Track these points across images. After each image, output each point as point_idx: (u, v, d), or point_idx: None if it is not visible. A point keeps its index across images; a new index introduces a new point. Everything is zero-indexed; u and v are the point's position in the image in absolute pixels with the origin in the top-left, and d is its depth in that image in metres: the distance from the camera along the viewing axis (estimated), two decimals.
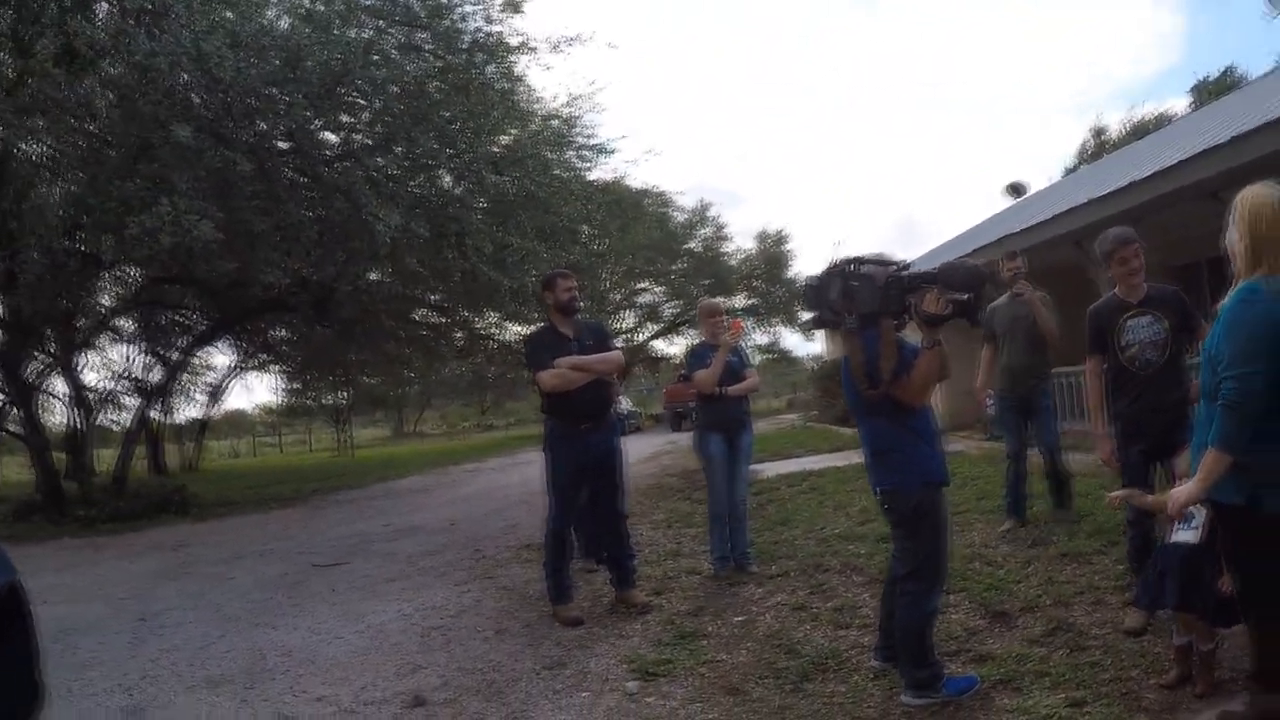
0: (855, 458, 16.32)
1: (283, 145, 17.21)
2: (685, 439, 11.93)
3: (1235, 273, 4.25)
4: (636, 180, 39.94)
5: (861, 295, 5.13)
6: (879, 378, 5.24)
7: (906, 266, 5.30)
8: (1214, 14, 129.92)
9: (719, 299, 10.56)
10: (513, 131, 19.40)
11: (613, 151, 29.98)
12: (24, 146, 16.60)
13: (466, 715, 5.95)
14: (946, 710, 5.27)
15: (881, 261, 5.28)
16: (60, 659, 7.72)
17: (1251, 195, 4.19)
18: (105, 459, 27.90)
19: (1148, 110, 64.69)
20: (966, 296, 5.02)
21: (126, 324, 30.92)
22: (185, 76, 14.61)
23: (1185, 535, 5.15)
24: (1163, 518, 4.87)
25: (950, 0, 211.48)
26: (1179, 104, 59.99)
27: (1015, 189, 33.03)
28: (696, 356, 9.46)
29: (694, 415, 9.88)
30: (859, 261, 5.26)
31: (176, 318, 30.63)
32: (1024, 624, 6.66)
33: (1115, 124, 57.36)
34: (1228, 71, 48.54)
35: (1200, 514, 4.98)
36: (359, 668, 7.18)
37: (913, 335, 5.33)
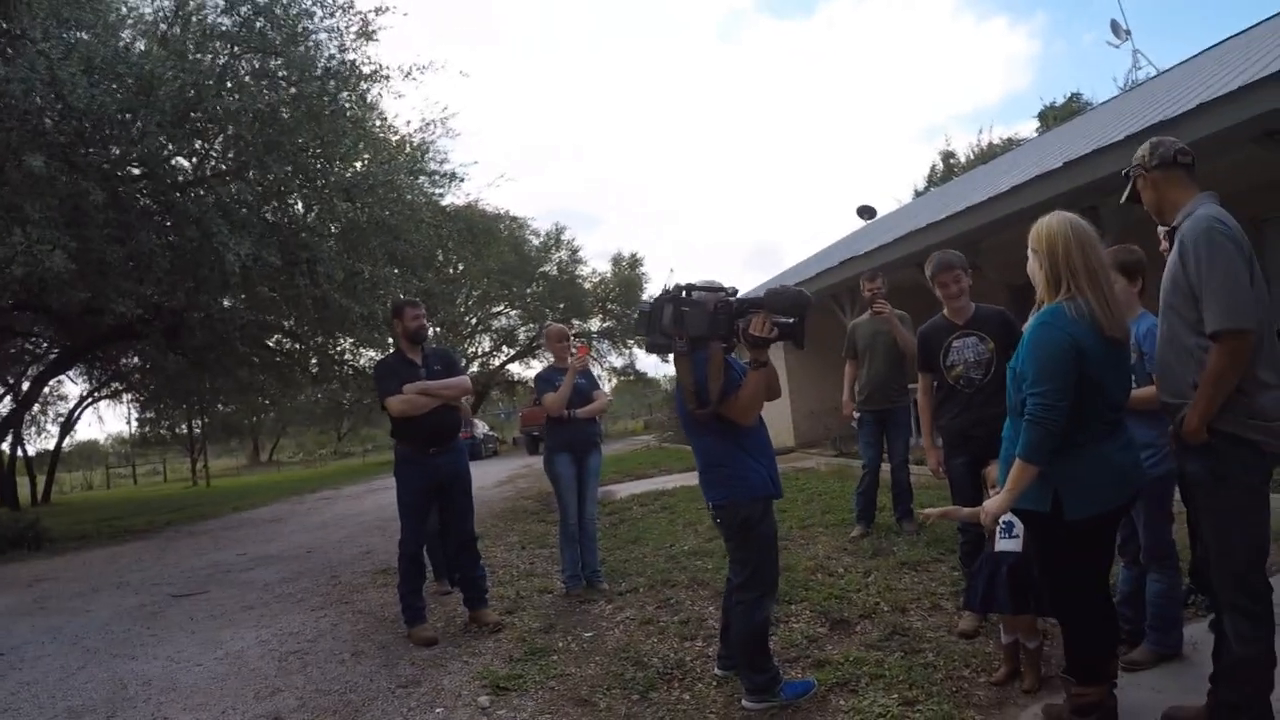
0: None
1: (135, 171, 17.09)
2: (540, 462, 12.10)
3: (1038, 298, 4.54)
4: (491, 205, 40.02)
5: (692, 320, 5.34)
6: (707, 398, 5.45)
7: (735, 293, 5.53)
8: (1065, 40, 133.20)
9: (564, 324, 10.66)
10: (365, 158, 19.38)
11: (464, 179, 30.11)
12: None
13: None
14: (785, 713, 5.52)
15: (711, 288, 5.50)
16: None
17: (1045, 224, 4.53)
18: None
19: (997, 134, 66.05)
20: (791, 320, 5.30)
21: None
22: (39, 101, 14.50)
23: (1008, 544, 5.47)
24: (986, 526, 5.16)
25: (809, 27, 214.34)
26: (1028, 127, 61.45)
27: (865, 211, 33.39)
28: (545, 380, 9.63)
29: (545, 436, 10.07)
30: (690, 288, 5.48)
31: (26, 345, 30.12)
32: (862, 630, 6.96)
33: (964, 147, 58.65)
34: (1073, 97, 50.13)
35: (1020, 523, 5.24)
36: (218, 693, 7.24)
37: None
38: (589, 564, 9.57)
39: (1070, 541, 4.49)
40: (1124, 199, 4.96)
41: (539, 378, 10.07)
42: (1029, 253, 4.59)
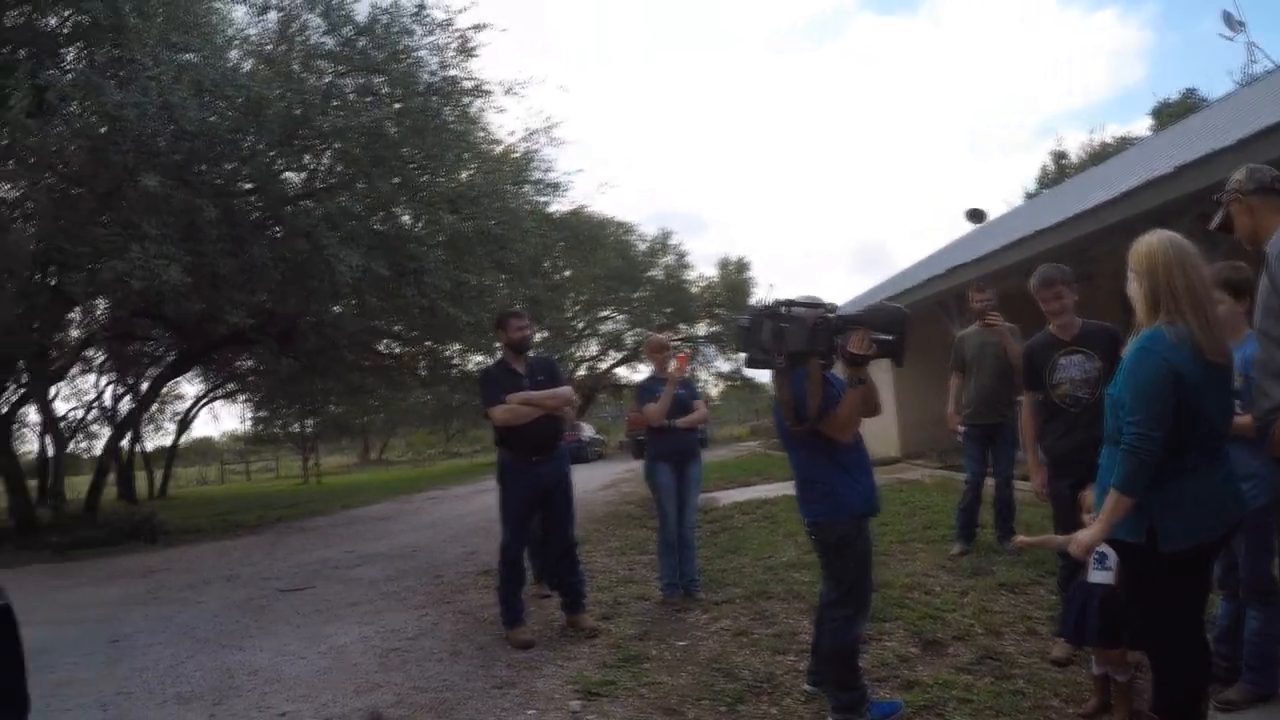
0: None
1: (247, 186, 17.46)
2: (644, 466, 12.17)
3: (1136, 321, 4.38)
4: (598, 209, 40.18)
5: (791, 336, 5.30)
6: (805, 414, 5.45)
7: (834, 309, 5.47)
8: (1179, 32, 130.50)
9: (664, 335, 10.69)
10: (470, 169, 19.71)
11: (567, 189, 30.23)
12: None
13: None
14: None
15: (811, 304, 5.45)
16: (38, 676, 7.61)
17: (1145, 244, 4.31)
18: (75, 486, 27.89)
19: (1110, 132, 64.70)
20: (891, 338, 5.24)
21: (96, 355, 31.06)
22: (152, 124, 14.89)
23: (1101, 576, 5.28)
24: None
25: (913, 23, 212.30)
26: (1141, 125, 60.25)
27: (974, 215, 32.85)
28: (646, 390, 9.69)
29: (645, 445, 10.09)
30: (790, 304, 5.45)
31: (145, 349, 30.75)
32: (955, 652, 6.86)
33: (1076, 147, 57.53)
34: (1188, 93, 48.51)
35: (1113, 554, 5.04)
36: (320, 686, 7.44)
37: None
38: (687, 573, 9.58)
39: (1165, 574, 4.27)
40: (1214, 225, 4.83)
41: (640, 387, 10.09)
42: (1129, 273, 4.40)
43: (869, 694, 5.77)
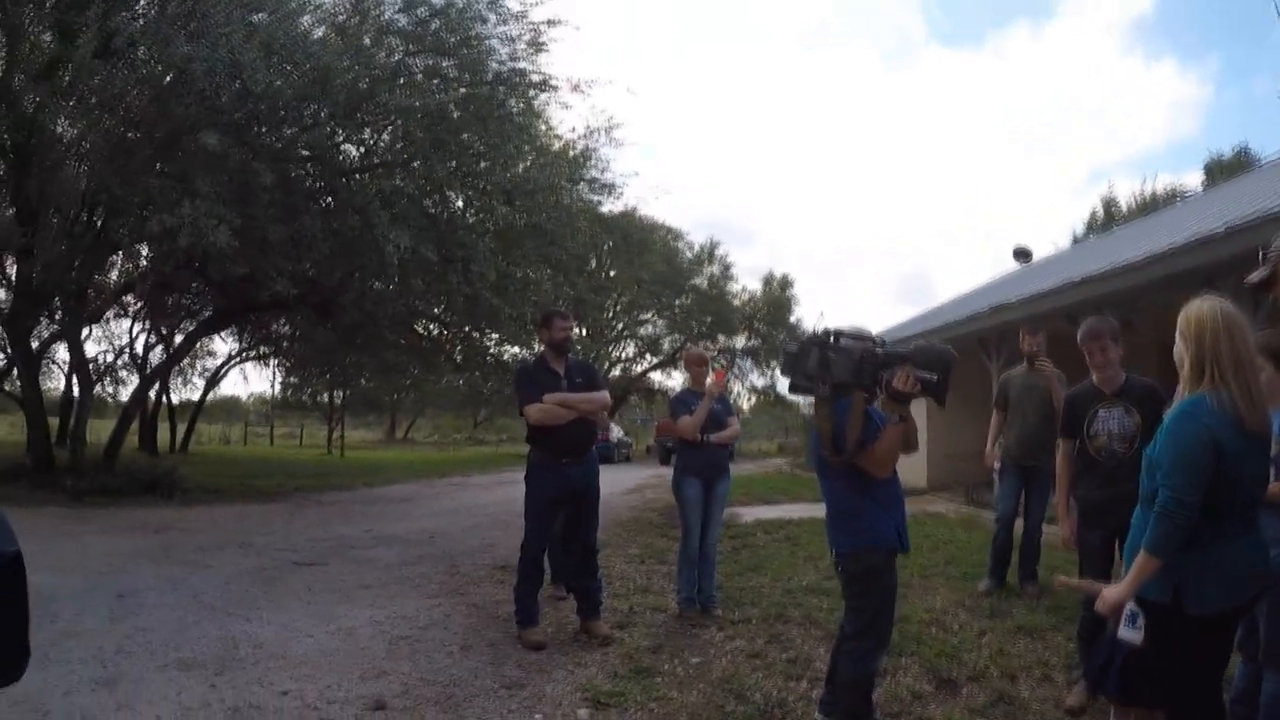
0: None
1: (304, 154, 17.42)
2: (671, 473, 12.16)
3: (1181, 385, 4.39)
4: (649, 212, 40.29)
5: (837, 366, 5.29)
6: (844, 445, 5.41)
7: (882, 343, 5.45)
8: (1237, 88, 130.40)
9: (703, 347, 10.65)
10: (528, 160, 19.63)
11: (621, 193, 30.31)
12: (56, 129, 16.81)
13: None
14: None
15: (859, 336, 5.42)
16: (39, 625, 7.70)
17: (1195, 309, 4.35)
18: (96, 430, 27.92)
19: (1161, 183, 64.80)
20: (935, 377, 5.20)
21: (133, 302, 31.13)
22: (218, 81, 14.89)
23: (1128, 634, 5.21)
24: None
25: (977, 59, 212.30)
26: (1193, 179, 60.21)
27: (1021, 254, 32.99)
28: (681, 403, 9.61)
29: (675, 457, 10.03)
30: (838, 334, 5.41)
31: (183, 301, 30.82)
32: (969, 692, 6.80)
33: (1126, 194, 57.66)
34: (1241, 151, 48.73)
35: (1143, 613, 4.97)
36: (326, 667, 7.36)
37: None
38: (705, 588, 9.49)
39: (1189, 634, 4.33)
40: (1254, 279, 4.76)
41: (675, 399, 10.02)
42: (1177, 335, 4.44)
43: None
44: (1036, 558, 10.31)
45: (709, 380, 9.65)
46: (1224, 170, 43.17)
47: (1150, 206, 44.71)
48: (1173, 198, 45.13)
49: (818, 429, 5.58)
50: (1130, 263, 14.29)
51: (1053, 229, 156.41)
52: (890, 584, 5.69)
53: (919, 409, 5.43)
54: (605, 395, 8.94)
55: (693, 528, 9.41)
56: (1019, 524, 10.55)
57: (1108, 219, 52.62)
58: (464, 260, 18.36)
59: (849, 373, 5.28)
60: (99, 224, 18.99)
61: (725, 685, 7.00)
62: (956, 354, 5.35)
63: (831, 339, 5.39)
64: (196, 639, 8.10)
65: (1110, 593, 4.56)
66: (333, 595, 10.24)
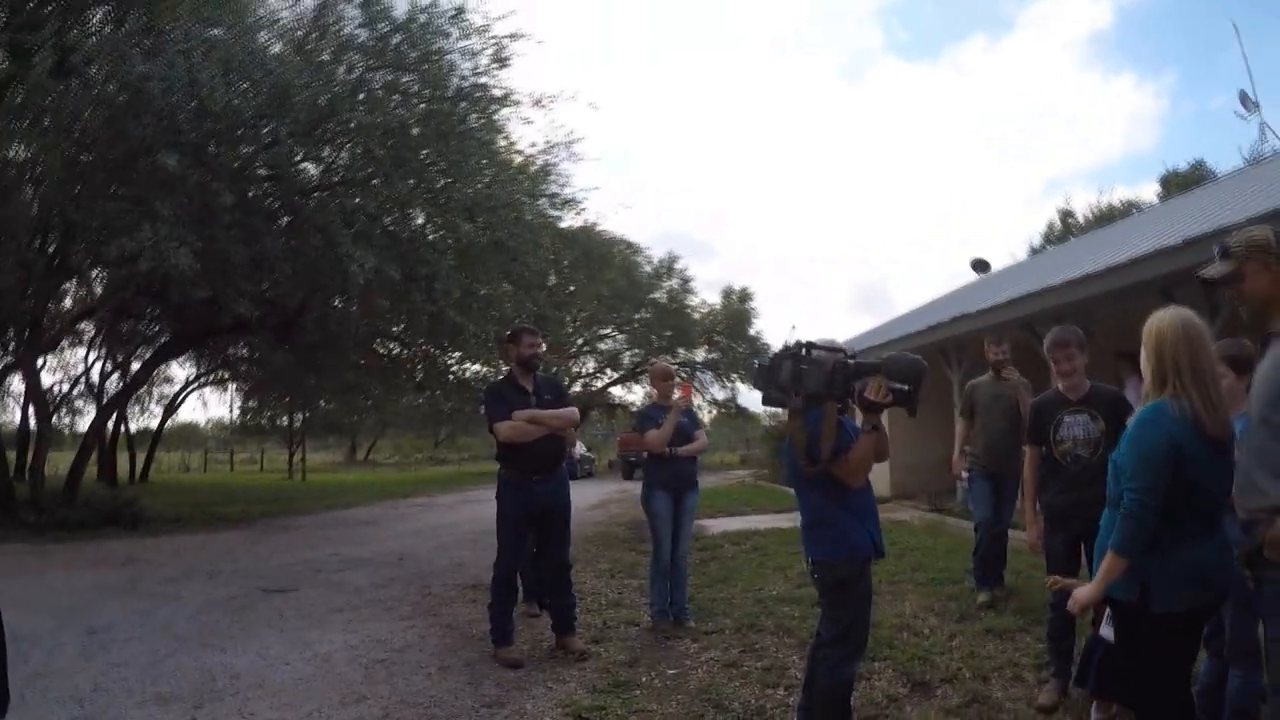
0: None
1: (263, 172, 17.36)
2: (635, 487, 12.18)
3: (1144, 392, 4.52)
4: (608, 227, 40.30)
5: (809, 378, 5.35)
6: (818, 455, 5.44)
7: (854, 355, 5.51)
8: (1193, 102, 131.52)
9: (668, 361, 10.68)
10: (487, 175, 19.54)
11: (583, 208, 30.36)
12: (8, 153, 16.70)
13: None
14: None
15: (831, 348, 5.48)
16: (11, 667, 7.50)
17: (1156, 320, 4.48)
18: (54, 462, 27.75)
19: (1118, 195, 65.34)
20: (907, 387, 5.27)
21: (88, 328, 30.96)
22: (175, 99, 14.77)
23: (1107, 632, 5.37)
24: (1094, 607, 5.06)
25: (934, 71, 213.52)
26: (1149, 191, 60.68)
27: (979, 265, 33.15)
28: (647, 417, 9.65)
29: (643, 471, 10.05)
30: (810, 346, 5.47)
31: (139, 327, 30.67)
32: (943, 694, 6.88)
33: (1083, 206, 58.04)
34: (1197, 164, 49.20)
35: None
36: (305, 694, 7.33)
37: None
38: (678, 600, 9.52)
39: (1155, 632, 4.45)
40: (1214, 274, 4.61)
41: (641, 414, 10.07)
42: (1142, 347, 4.55)
43: None
44: (1003, 563, 10.36)
45: (675, 394, 9.70)
46: (1180, 184, 43.44)
47: (1107, 218, 45.01)
48: (1129, 210, 45.59)
49: (792, 440, 5.61)
50: (1090, 273, 14.37)
51: (1010, 241, 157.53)
52: (865, 591, 5.72)
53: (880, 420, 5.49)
54: (574, 411, 8.93)
55: (663, 540, 9.42)
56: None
57: (1065, 231, 53.32)
58: (427, 278, 18.30)
59: (821, 384, 5.33)
60: (51, 250, 18.87)
61: (703, 695, 7.06)
62: (926, 365, 5.41)
63: (804, 350, 5.45)
64: (172, 672, 8.05)
65: (1081, 593, 4.66)
66: (305, 621, 10.19)
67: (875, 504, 5.92)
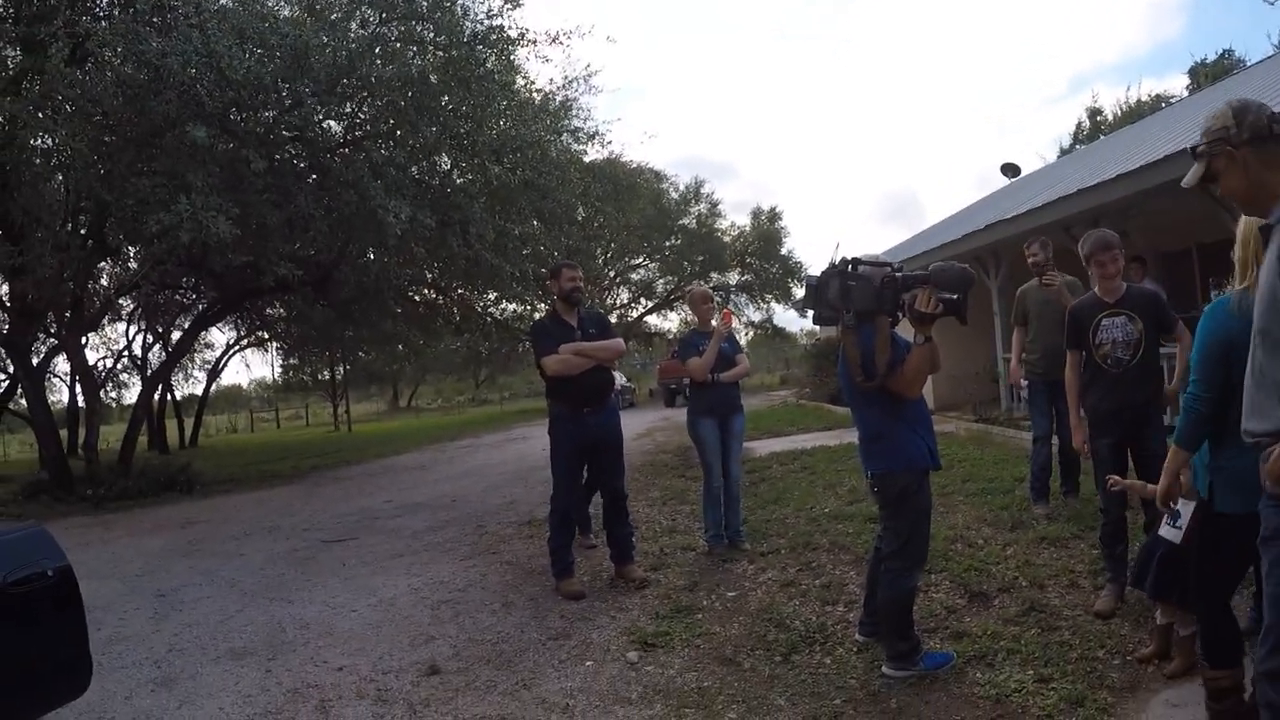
0: (847, 436, 16.48)
1: (289, 134, 17.37)
2: (678, 415, 12.18)
3: (1222, 284, 4.50)
4: (632, 157, 40.14)
5: (859, 294, 5.41)
6: (874, 371, 5.53)
7: (900, 268, 5.55)
8: None
9: (705, 285, 10.65)
10: (510, 116, 19.44)
11: (609, 140, 30.20)
12: (34, 142, 16.74)
13: (479, 683, 6.27)
14: (923, 683, 5.56)
15: (878, 263, 5.54)
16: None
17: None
18: (105, 436, 28.04)
19: (1146, 89, 64.38)
20: (956, 296, 5.34)
21: (127, 304, 31.13)
22: (194, 72, 14.81)
23: (1168, 532, 5.37)
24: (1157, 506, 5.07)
25: None
26: (1178, 83, 59.80)
27: (1009, 169, 32.84)
28: (689, 345, 9.67)
29: (685, 398, 10.05)
30: (857, 262, 5.51)
31: (178, 297, 30.82)
32: (1000, 604, 6.91)
33: (1111, 103, 57.30)
34: (1225, 54, 48.08)
35: (1186, 513, 5.17)
36: (374, 639, 7.48)
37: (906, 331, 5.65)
38: (732, 524, 9.59)
39: (1218, 532, 4.50)
40: (1190, 181, 4.03)
41: (683, 341, 10.09)
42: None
43: (922, 644, 5.90)
44: (1078, 469, 10.03)
45: (716, 319, 9.71)
46: (1209, 74, 42.70)
47: (1136, 114, 44.03)
48: (1158, 103, 44.68)
49: (846, 357, 5.70)
50: (1127, 170, 14.09)
51: (1039, 142, 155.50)
52: (925, 503, 5.84)
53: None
54: (620, 342, 9.00)
55: (713, 466, 9.48)
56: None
57: (1094, 129, 52.12)
58: (461, 223, 18.33)
59: (871, 299, 5.41)
60: (84, 232, 18.96)
61: (764, 615, 7.16)
62: (974, 272, 5.43)
63: (850, 267, 5.49)
64: (243, 627, 8.22)
65: (1153, 488, 4.83)
66: (367, 568, 10.36)
67: (929, 416, 6.01)
